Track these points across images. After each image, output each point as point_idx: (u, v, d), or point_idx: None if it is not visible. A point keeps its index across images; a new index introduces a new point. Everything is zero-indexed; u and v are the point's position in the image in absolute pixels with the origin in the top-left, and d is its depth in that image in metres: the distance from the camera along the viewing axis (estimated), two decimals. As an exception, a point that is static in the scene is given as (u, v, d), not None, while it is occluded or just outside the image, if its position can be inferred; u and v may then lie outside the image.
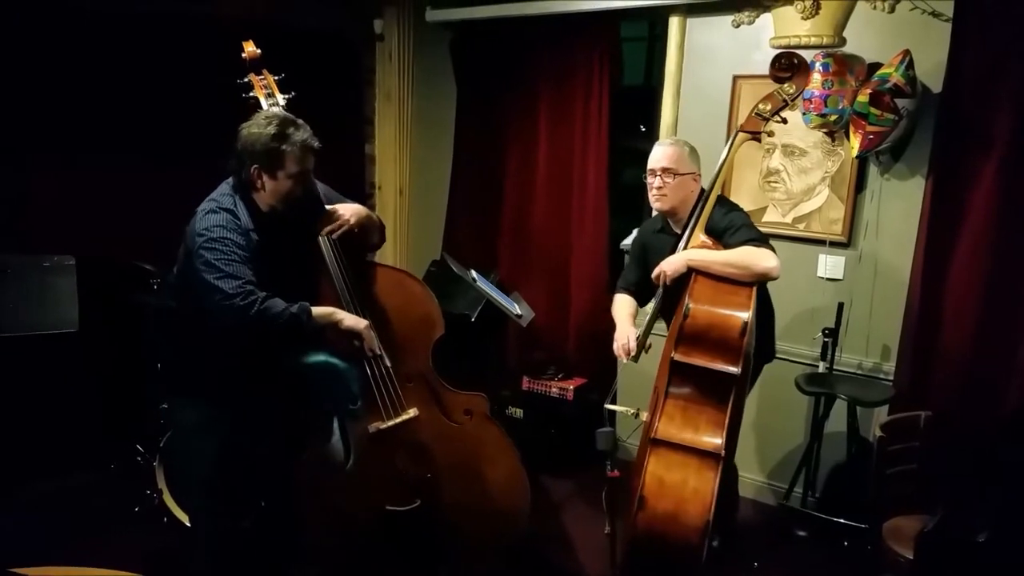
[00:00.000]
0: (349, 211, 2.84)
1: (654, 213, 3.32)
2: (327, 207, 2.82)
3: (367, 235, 2.94)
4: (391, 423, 2.85)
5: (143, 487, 3.73)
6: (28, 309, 3.69)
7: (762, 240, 2.88)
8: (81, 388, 4.03)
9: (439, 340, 3.01)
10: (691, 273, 2.85)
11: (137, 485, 3.76)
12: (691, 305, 2.74)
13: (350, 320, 2.71)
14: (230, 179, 2.68)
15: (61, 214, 3.95)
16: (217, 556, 2.89)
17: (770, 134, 3.04)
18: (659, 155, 3.12)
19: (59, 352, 3.83)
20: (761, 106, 2.96)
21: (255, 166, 2.59)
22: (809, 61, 3.55)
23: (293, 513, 3.00)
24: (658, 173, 3.09)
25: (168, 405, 2.92)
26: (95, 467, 4.07)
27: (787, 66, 2.93)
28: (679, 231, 3.11)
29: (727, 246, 2.89)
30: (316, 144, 2.66)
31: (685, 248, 2.93)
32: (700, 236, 2.92)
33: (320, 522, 2.92)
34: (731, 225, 2.94)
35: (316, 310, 2.65)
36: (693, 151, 3.15)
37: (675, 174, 3.06)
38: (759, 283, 2.84)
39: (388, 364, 2.83)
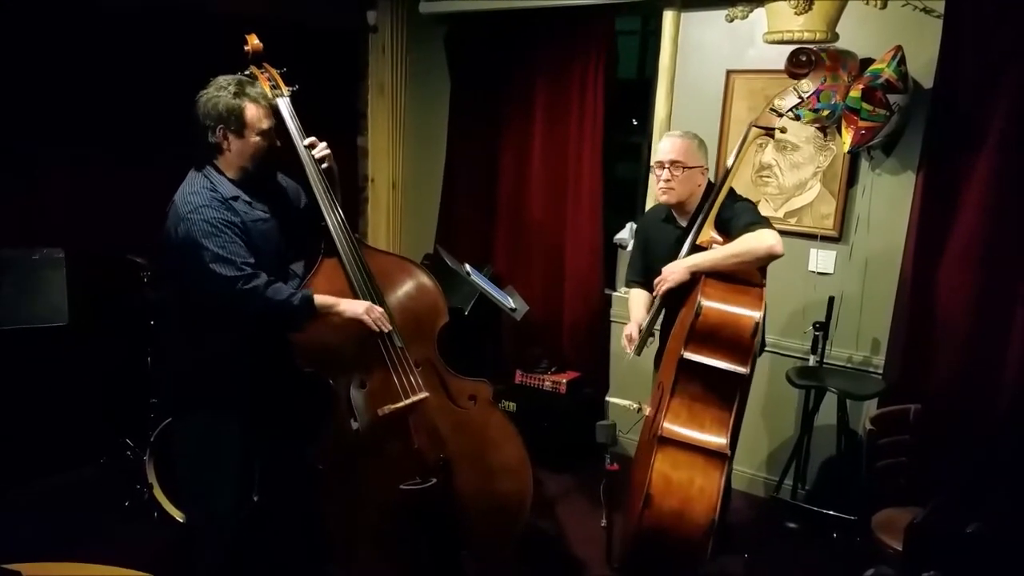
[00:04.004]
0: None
1: (648, 204, 3.30)
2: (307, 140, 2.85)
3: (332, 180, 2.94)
4: (407, 402, 2.87)
5: (134, 482, 3.72)
6: (17, 302, 3.65)
7: (763, 223, 2.86)
8: (71, 382, 4.01)
9: (443, 328, 3.06)
10: (693, 278, 2.85)
11: (128, 480, 3.76)
12: (703, 303, 2.72)
13: (350, 309, 2.74)
14: (193, 169, 2.68)
15: (51, 207, 3.92)
16: (225, 554, 2.87)
17: (783, 130, 3.00)
18: (668, 147, 3.07)
19: (48, 346, 3.80)
20: (777, 102, 2.93)
21: (220, 127, 2.58)
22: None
23: (299, 502, 3.03)
24: (666, 165, 3.04)
25: (180, 411, 2.91)
26: (85, 461, 4.06)
27: (805, 62, 2.89)
28: (684, 224, 3.10)
29: (733, 234, 2.87)
30: (275, 100, 2.72)
31: (694, 243, 2.92)
32: (710, 232, 2.89)
33: (341, 510, 2.92)
34: (735, 214, 2.92)
35: (318, 299, 2.68)
36: (702, 144, 3.12)
37: (684, 167, 3.03)
38: (767, 264, 2.83)
39: (400, 344, 2.86)
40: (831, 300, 3.82)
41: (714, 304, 2.73)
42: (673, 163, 3.03)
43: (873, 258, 3.80)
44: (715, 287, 2.78)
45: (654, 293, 3.04)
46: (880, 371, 3.79)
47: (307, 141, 2.83)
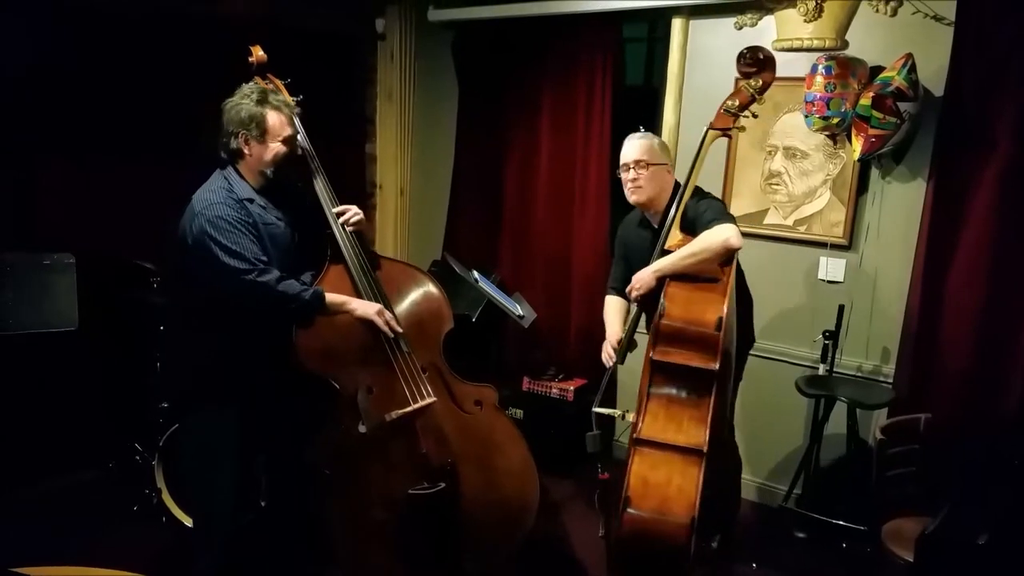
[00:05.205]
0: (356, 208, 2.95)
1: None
2: (338, 207, 2.92)
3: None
4: (415, 406, 2.88)
5: (142, 486, 3.72)
6: (28, 307, 3.68)
7: (722, 218, 2.88)
8: (80, 387, 4.03)
9: (448, 334, 3.08)
10: (664, 280, 2.87)
11: (136, 484, 3.76)
12: (665, 304, 2.74)
13: (362, 308, 2.79)
14: (218, 168, 2.75)
15: (62, 212, 3.93)
16: (224, 554, 2.89)
17: (741, 129, 3.07)
18: (630, 149, 3.15)
19: (58, 350, 3.82)
20: (729, 103, 2.97)
21: (242, 132, 2.65)
22: (812, 64, 3.57)
23: (302, 507, 3.05)
24: (631, 166, 3.12)
25: (182, 410, 2.94)
26: (94, 466, 4.06)
27: (753, 61, 2.93)
28: (657, 226, 3.14)
29: (698, 233, 2.89)
30: (297, 108, 2.81)
31: (663, 248, 2.93)
32: (677, 234, 2.93)
33: (345, 513, 2.93)
34: (699, 214, 2.95)
35: (329, 298, 2.74)
36: (663, 144, 3.21)
37: (648, 164, 3.10)
38: (729, 259, 2.83)
39: (407, 349, 2.89)
40: (841, 308, 3.80)
41: (676, 304, 2.75)
42: (637, 162, 3.10)
43: (883, 266, 3.78)
44: (678, 287, 2.80)
45: (630, 300, 3.07)
46: (890, 380, 3.77)
47: (340, 219, 2.89)
